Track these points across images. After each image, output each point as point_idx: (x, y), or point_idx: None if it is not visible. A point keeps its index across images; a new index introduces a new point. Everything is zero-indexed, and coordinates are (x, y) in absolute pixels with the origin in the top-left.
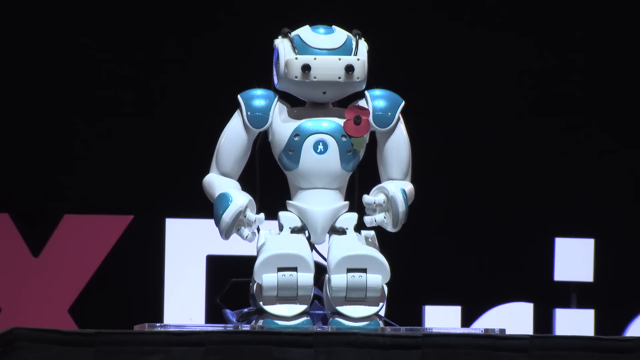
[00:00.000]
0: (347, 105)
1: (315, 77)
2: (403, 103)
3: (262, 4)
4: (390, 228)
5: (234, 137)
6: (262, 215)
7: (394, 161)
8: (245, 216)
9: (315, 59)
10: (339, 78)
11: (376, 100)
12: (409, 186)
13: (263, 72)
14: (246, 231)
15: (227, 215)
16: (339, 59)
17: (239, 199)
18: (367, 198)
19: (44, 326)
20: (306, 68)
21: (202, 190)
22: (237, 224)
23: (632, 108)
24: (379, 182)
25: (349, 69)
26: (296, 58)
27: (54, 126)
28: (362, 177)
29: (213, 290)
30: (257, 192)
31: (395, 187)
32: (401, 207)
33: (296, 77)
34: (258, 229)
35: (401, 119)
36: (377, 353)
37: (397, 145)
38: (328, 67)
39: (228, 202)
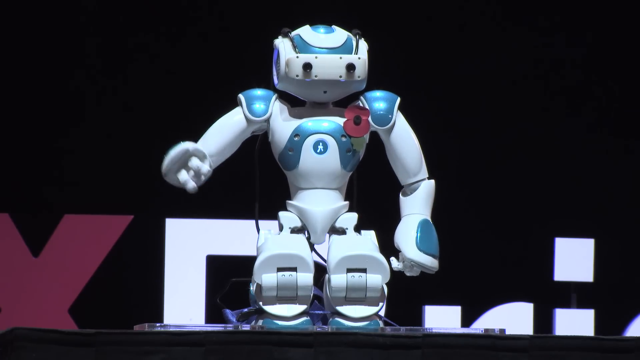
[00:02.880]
0: (347, 105)
1: (316, 76)
2: (399, 99)
3: (262, 3)
4: (431, 272)
5: (228, 121)
6: (208, 167)
7: (404, 155)
8: (190, 161)
9: (316, 57)
10: (340, 77)
11: (373, 102)
12: (425, 191)
13: (263, 72)
14: (184, 174)
15: (174, 150)
16: (340, 58)
17: (190, 143)
18: (395, 267)
19: (44, 326)
20: (307, 66)
21: (203, 190)
22: (180, 166)
23: (632, 108)
24: (381, 182)
25: (350, 67)
26: (297, 57)
27: (54, 126)
28: (362, 177)
29: (213, 290)
30: (257, 192)
31: (412, 250)
32: (426, 264)
33: (297, 75)
34: (258, 228)
35: (400, 113)
36: (377, 353)
37: (403, 139)
38: (329, 66)
39: (179, 143)
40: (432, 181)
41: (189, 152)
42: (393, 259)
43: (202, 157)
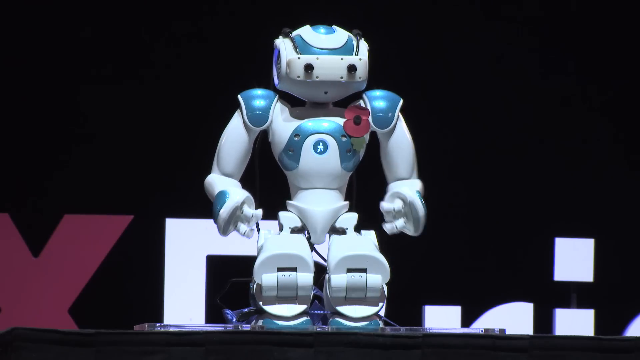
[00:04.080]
0: (347, 105)
1: (317, 77)
2: (401, 101)
3: (262, 3)
4: (412, 233)
5: (234, 137)
6: (259, 211)
7: (399, 161)
8: (242, 212)
9: (317, 58)
10: (341, 78)
11: (375, 101)
12: (419, 185)
13: (263, 72)
14: (243, 227)
15: (224, 211)
16: (341, 59)
17: (236, 195)
18: (385, 206)
19: (44, 326)
20: (309, 68)
21: (202, 190)
22: (235, 220)
23: (632, 107)
24: (381, 182)
25: (352, 68)
26: (298, 58)
27: (54, 126)
28: (362, 177)
29: (213, 290)
30: (257, 192)
31: (412, 191)
32: (421, 211)
33: (298, 76)
34: (258, 228)
35: (401, 117)
36: (377, 353)
37: (400, 144)
38: (330, 67)
39: (225, 199)
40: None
41: (240, 204)
42: (382, 204)
43: (249, 201)
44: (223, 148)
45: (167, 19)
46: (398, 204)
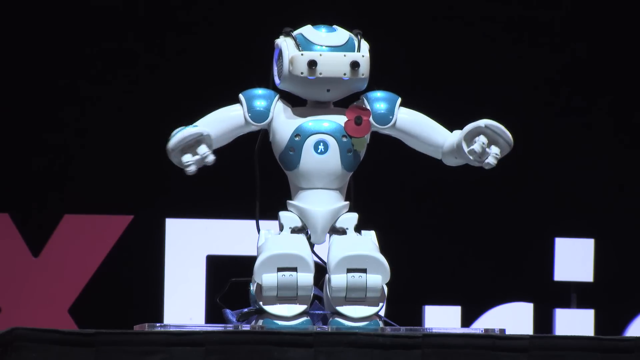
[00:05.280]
0: (347, 106)
1: (321, 73)
2: (400, 99)
3: (262, 3)
4: (508, 149)
5: (228, 114)
6: (214, 157)
7: (429, 131)
8: (200, 146)
9: (320, 55)
10: (344, 74)
11: (375, 103)
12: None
13: (263, 72)
14: (187, 157)
15: (187, 131)
16: (344, 55)
17: (204, 129)
18: (476, 147)
19: (44, 326)
20: (312, 64)
21: (202, 190)
22: (186, 146)
23: (632, 107)
24: (381, 182)
25: (355, 65)
26: (302, 54)
27: (54, 126)
28: (361, 177)
29: (213, 290)
30: (257, 192)
31: (474, 122)
32: (497, 123)
33: (302, 72)
34: (258, 227)
35: (402, 108)
36: (377, 353)
37: (417, 121)
38: (334, 63)
39: (190, 127)
40: None
41: (202, 137)
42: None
43: (210, 145)
44: (210, 117)
45: (166, 20)
46: (481, 138)
